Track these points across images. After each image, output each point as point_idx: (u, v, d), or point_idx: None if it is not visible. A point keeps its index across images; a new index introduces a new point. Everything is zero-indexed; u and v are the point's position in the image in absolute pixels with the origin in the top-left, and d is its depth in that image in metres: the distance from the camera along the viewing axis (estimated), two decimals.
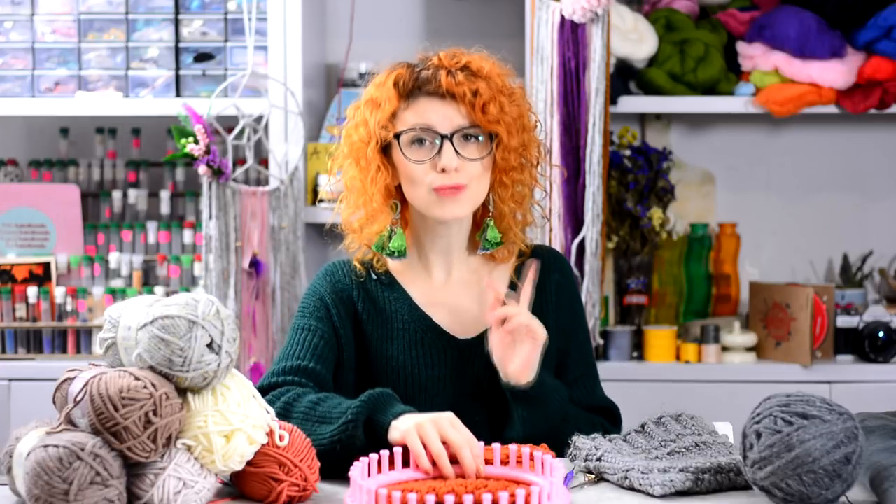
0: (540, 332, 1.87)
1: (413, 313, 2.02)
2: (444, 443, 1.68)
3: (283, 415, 1.83)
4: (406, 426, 1.71)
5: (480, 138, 1.95)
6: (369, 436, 1.76)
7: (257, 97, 3.14)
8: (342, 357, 1.99)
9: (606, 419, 2.05)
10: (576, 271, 2.91)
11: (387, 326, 2.01)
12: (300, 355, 1.95)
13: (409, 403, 1.84)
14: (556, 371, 2.02)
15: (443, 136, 1.93)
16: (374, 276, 2.04)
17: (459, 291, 2.03)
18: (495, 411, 1.97)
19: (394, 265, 2.05)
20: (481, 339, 1.95)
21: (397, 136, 1.96)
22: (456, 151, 1.93)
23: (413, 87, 1.96)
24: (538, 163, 2.04)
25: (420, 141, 1.95)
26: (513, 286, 2.01)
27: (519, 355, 1.88)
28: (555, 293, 2.05)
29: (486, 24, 3.49)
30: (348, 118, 2.03)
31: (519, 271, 2.04)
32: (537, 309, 1.94)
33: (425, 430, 1.69)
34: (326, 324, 1.99)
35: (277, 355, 2.00)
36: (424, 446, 1.67)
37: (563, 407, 1.95)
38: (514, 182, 1.99)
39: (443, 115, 1.94)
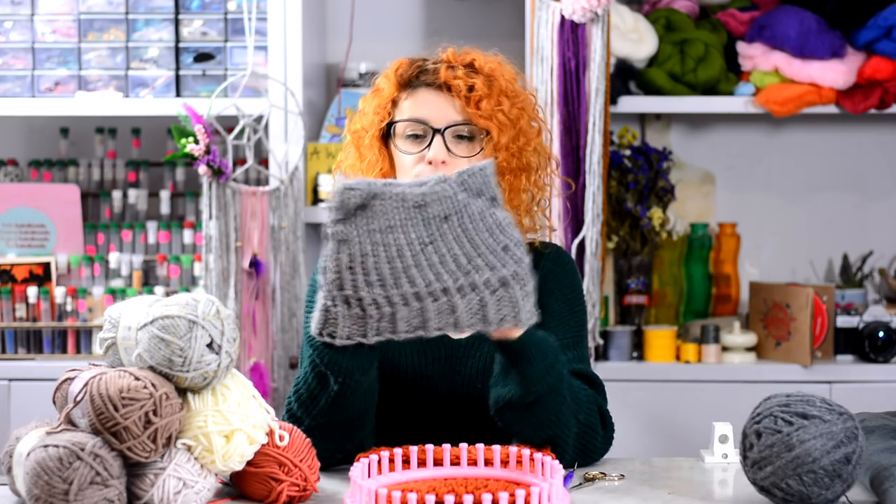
0: None
1: None
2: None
3: (305, 404, 1.81)
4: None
5: (476, 138, 1.94)
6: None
7: (257, 97, 3.14)
8: None
9: (587, 384, 1.93)
10: None
11: None
12: None
13: (401, 399, 1.85)
14: None
15: (435, 130, 1.93)
16: None
17: None
18: (487, 412, 1.95)
19: None
20: (475, 340, 1.94)
21: (392, 124, 1.97)
22: (446, 146, 1.92)
23: (413, 76, 1.96)
24: (538, 169, 2.00)
25: (414, 133, 1.94)
26: None
27: None
28: (543, 280, 1.97)
29: (486, 24, 3.49)
30: (356, 109, 2.05)
31: None
32: None
33: None
34: None
35: (300, 367, 1.99)
36: None
37: (556, 365, 1.82)
38: (510, 187, 1.97)
39: (438, 108, 1.94)
